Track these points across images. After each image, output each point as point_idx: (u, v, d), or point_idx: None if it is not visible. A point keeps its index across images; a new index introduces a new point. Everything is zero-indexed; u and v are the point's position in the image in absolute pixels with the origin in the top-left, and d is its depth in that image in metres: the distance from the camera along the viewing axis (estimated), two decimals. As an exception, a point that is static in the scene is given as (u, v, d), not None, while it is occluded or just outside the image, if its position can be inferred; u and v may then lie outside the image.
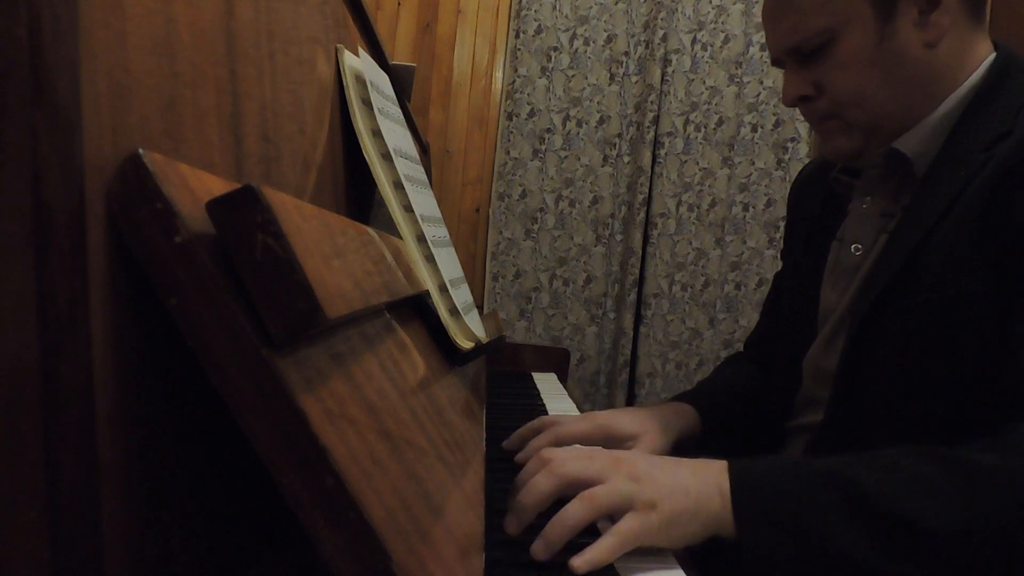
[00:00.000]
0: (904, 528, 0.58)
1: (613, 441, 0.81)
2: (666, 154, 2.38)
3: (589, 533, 0.56)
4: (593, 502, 0.56)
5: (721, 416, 0.96)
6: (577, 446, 0.67)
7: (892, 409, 0.75)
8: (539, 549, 0.54)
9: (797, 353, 0.92)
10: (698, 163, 2.40)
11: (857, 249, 0.86)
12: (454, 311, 0.77)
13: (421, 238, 0.72)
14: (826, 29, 0.78)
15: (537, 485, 0.58)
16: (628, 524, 0.56)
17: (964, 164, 0.73)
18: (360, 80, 0.73)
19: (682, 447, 0.89)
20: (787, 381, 0.93)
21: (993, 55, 0.79)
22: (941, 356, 0.71)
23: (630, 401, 2.39)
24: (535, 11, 2.39)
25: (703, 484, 0.60)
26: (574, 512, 0.55)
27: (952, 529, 0.57)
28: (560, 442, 0.79)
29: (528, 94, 2.39)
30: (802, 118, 0.89)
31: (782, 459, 0.64)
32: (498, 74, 2.46)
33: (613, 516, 0.57)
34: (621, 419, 0.83)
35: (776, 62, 0.86)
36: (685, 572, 0.57)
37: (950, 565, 0.58)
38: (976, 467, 0.60)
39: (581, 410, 1.15)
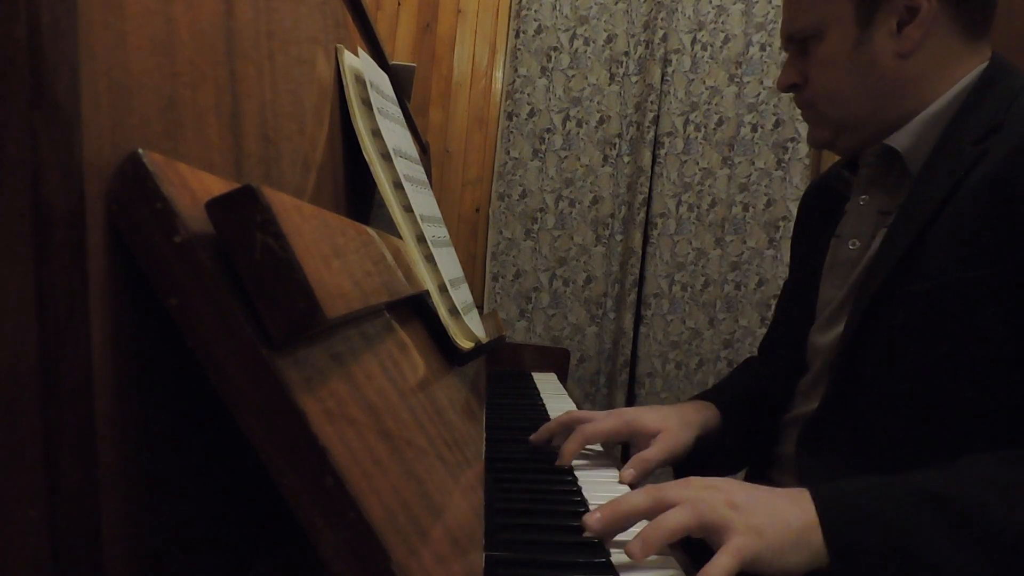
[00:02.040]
0: (1002, 537, 0.57)
1: (638, 436, 0.86)
2: (666, 154, 2.38)
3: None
4: (695, 509, 0.55)
5: (739, 413, 0.98)
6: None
7: (890, 397, 0.76)
8: (635, 549, 0.53)
9: (794, 346, 0.94)
10: (698, 163, 2.40)
11: (855, 244, 0.87)
12: (454, 311, 0.77)
13: (421, 238, 0.72)
14: (814, 25, 0.84)
15: (631, 500, 0.58)
16: (741, 541, 0.54)
17: (957, 158, 0.75)
18: (360, 80, 0.73)
19: (704, 443, 0.92)
20: (787, 374, 0.94)
21: (986, 63, 0.82)
22: (941, 344, 0.72)
23: (630, 401, 2.39)
24: (535, 11, 2.38)
25: (804, 515, 0.59)
26: (675, 515, 0.54)
27: None
28: (588, 441, 0.82)
29: (528, 94, 2.39)
30: (802, 118, 0.96)
31: (864, 481, 0.62)
32: (498, 74, 2.46)
33: (709, 538, 0.56)
34: (646, 415, 0.87)
35: (784, 47, 0.92)
36: (685, 573, 0.57)
37: None
38: None
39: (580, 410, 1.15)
